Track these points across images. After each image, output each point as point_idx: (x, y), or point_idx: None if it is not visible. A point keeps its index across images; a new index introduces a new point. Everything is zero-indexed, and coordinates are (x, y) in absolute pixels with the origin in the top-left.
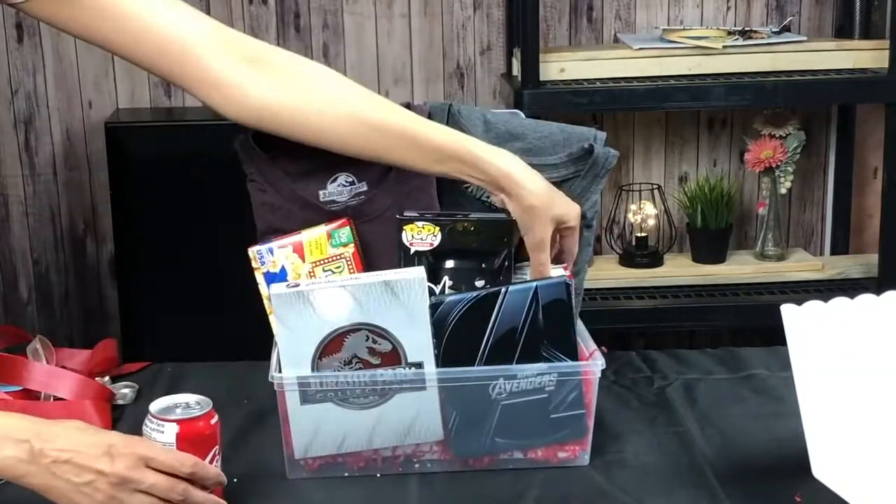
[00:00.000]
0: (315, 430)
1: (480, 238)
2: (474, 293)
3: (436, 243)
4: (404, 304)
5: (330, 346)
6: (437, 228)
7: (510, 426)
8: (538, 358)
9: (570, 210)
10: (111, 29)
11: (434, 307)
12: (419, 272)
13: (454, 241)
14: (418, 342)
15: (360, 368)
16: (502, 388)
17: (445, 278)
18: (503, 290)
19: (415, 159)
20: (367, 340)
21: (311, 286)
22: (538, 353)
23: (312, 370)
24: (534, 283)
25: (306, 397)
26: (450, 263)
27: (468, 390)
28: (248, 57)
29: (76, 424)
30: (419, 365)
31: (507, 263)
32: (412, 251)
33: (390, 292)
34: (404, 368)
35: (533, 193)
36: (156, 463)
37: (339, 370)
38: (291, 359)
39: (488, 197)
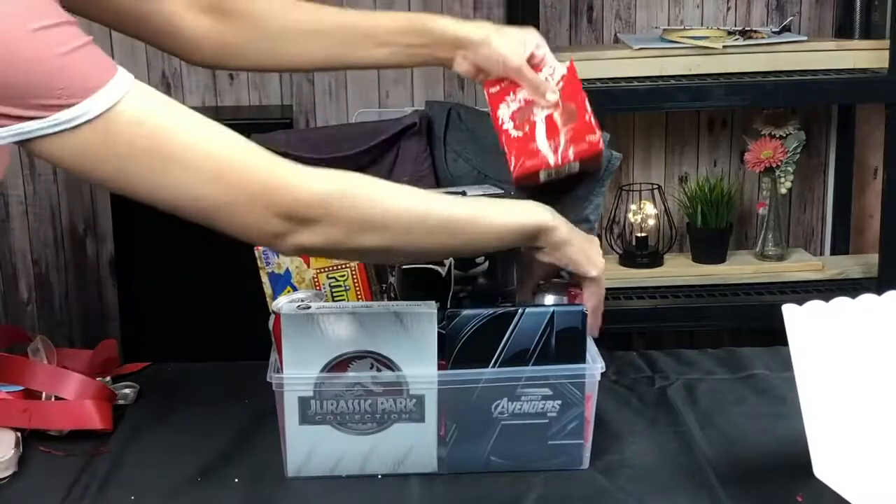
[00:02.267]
0: (310, 450)
1: None
2: (490, 310)
3: None
4: (412, 336)
5: (334, 370)
6: None
7: (507, 446)
8: (545, 383)
9: (541, 48)
10: None
11: (450, 318)
12: (430, 306)
13: None
14: (422, 376)
15: (362, 395)
16: (504, 407)
17: (451, 259)
18: (519, 310)
19: (373, 51)
20: (371, 368)
21: (321, 309)
22: (546, 379)
23: (315, 392)
24: (551, 308)
25: (305, 418)
26: None
27: (470, 405)
28: (207, 6)
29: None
30: (420, 398)
31: None
32: None
33: (399, 323)
34: (405, 399)
35: (499, 43)
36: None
37: (341, 394)
38: (294, 378)
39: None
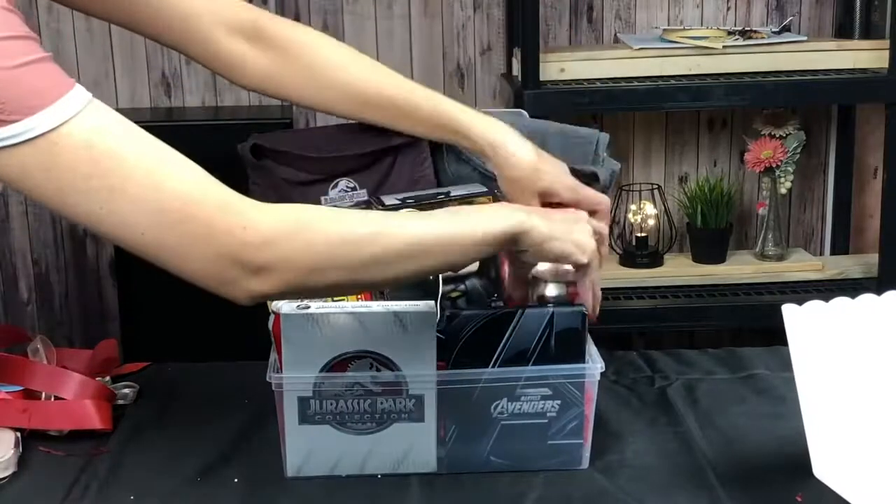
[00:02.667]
0: (310, 450)
1: None
2: (490, 311)
3: None
4: (412, 336)
5: (334, 370)
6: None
7: (507, 446)
8: (545, 383)
9: (557, 183)
10: (126, 4)
11: (449, 319)
12: (429, 305)
13: None
14: (422, 376)
15: (362, 394)
16: (504, 407)
17: None
18: (519, 311)
19: (407, 128)
20: (370, 368)
21: (321, 309)
22: (546, 379)
23: (314, 392)
24: (550, 309)
25: (305, 418)
26: None
27: (469, 405)
28: (251, 34)
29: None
30: (420, 398)
31: None
32: None
33: (399, 323)
34: (405, 399)
35: (515, 166)
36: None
37: (340, 394)
38: (294, 378)
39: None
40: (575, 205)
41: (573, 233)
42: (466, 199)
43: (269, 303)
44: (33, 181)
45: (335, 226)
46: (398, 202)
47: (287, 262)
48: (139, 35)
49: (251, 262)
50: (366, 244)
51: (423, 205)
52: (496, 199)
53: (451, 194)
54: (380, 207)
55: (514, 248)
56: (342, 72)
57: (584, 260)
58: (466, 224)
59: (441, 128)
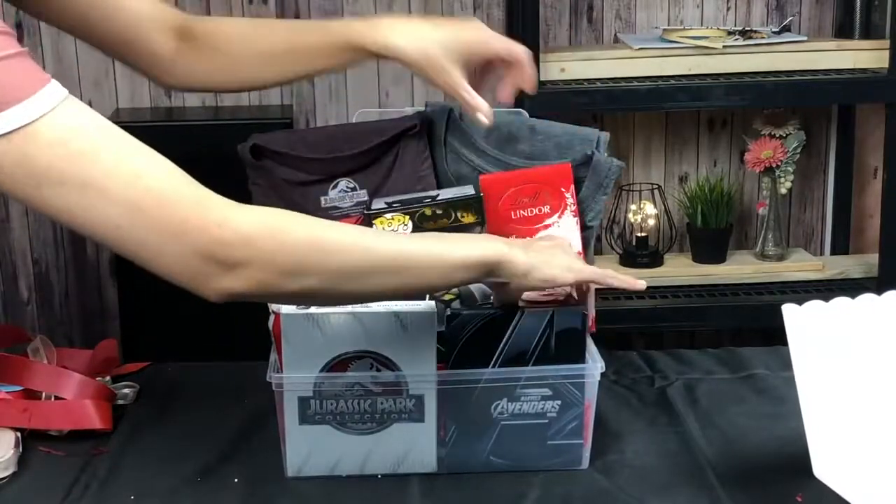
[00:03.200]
0: (310, 450)
1: (452, 218)
2: (490, 311)
3: (408, 231)
4: (412, 336)
5: (334, 370)
6: (407, 217)
7: (507, 446)
8: (545, 384)
9: (462, 41)
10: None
11: (449, 319)
12: (430, 306)
13: (426, 226)
14: (422, 376)
15: (362, 395)
16: (504, 408)
17: None
18: (519, 311)
19: (311, 65)
20: (370, 368)
21: (320, 309)
22: (546, 379)
23: (314, 392)
24: (550, 309)
25: (305, 418)
26: None
27: (469, 405)
28: (179, 32)
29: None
30: (420, 398)
31: None
32: None
33: (399, 323)
34: (405, 399)
35: (405, 53)
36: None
37: (340, 394)
38: (294, 378)
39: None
40: (499, 51)
41: (555, 257)
42: (453, 202)
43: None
44: (8, 175)
45: (311, 231)
46: (385, 206)
47: (260, 261)
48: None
49: (225, 260)
50: (340, 253)
51: (409, 209)
52: (480, 201)
53: (438, 197)
54: (365, 211)
55: (494, 278)
56: (255, 45)
57: (570, 279)
58: (445, 248)
59: (342, 49)
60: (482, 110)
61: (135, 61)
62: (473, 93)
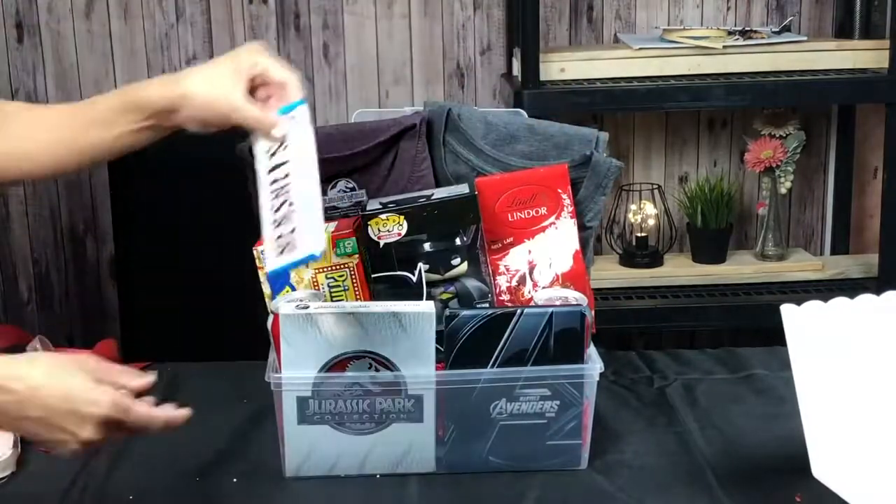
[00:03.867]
0: (309, 450)
1: (446, 217)
2: (490, 311)
3: (403, 232)
4: (411, 336)
5: (333, 370)
6: (402, 217)
7: (506, 446)
8: (544, 384)
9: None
10: None
11: (448, 319)
12: (429, 306)
13: (421, 226)
14: (421, 376)
15: (360, 395)
16: (503, 408)
17: (420, 264)
18: (518, 311)
19: (100, 134)
20: (369, 368)
21: (319, 309)
22: (545, 379)
23: (313, 392)
24: (549, 309)
25: (304, 418)
26: (421, 248)
27: (468, 405)
28: None
29: (44, 371)
30: (419, 398)
31: (477, 237)
32: (381, 244)
33: (398, 324)
34: (404, 399)
35: (188, 98)
36: (127, 424)
37: (339, 394)
38: (293, 378)
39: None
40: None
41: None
42: (449, 201)
43: (267, 302)
44: None
45: None
46: (380, 206)
47: None
48: None
49: None
50: None
51: (405, 208)
52: (475, 200)
53: (433, 197)
54: (361, 212)
55: None
56: (28, 115)
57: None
58: None
59: (126, 110)
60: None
61: None
62: (263, 114)
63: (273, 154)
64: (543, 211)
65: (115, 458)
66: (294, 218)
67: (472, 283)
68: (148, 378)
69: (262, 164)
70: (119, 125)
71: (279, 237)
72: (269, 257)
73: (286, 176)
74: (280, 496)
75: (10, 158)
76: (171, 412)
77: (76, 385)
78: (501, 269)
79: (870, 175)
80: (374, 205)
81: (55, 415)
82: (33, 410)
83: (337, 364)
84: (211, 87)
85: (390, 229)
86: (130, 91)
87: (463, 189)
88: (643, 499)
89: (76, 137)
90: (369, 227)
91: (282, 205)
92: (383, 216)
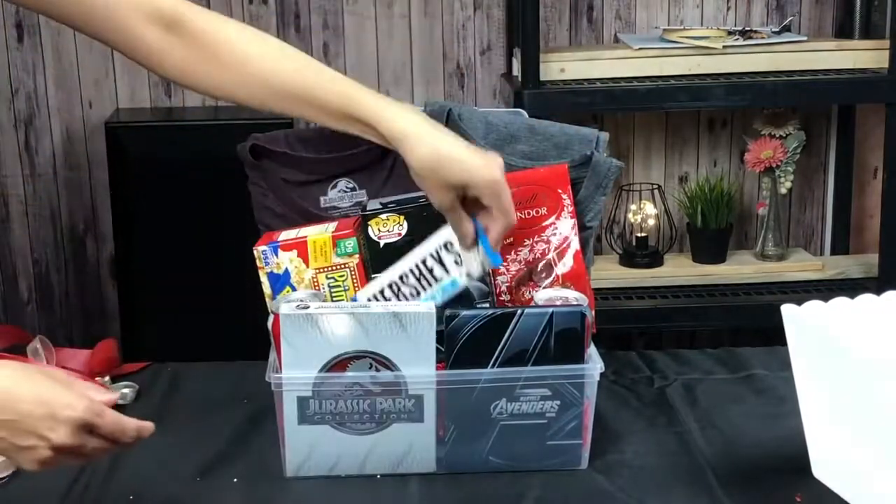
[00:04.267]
0: (310, 450)
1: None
2: (490, 311)
3: (403, 232)
4: (411, 336)
5: (333, 370)
6: (402, 217)
7: (506, 446)
8: (544, 384)
9: (468, 176)
10: None
11: (448, 319)
12: (429, 307)
13: (421, 227)
14: (421, 376)
15: (361, 395)
16: (503, 408)
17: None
18: (518, 311)
19: (319, 118)
20: (370, 368)
21: (320, 309)
22: (545, 379)
23: (313, 392)
24: (550, 309)
25: (304, 418)
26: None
27: (469, 405)
28: (170, 23)
29: (10, 375)
30: (419, 398)
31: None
32: (381, 244)
33: (398, 324)
34: (404, 399)
35: (418, 159)
36: (100, 430)
37: (339, 394)
38: (293, 378)
39: None
40: (492, 203)
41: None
42: None
43: (268, 302)
44: None
45: None
46: (380, 206)
47: None
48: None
49: None
50: None
51: (404, 209)
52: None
53: None
54: (361, 213)
55: None
56: (254, 65)
57: (36, 457)
58: None
59: (350, 119)
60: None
61: (125, 51)
62: (468, 220)
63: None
64: (543, 211)
65: (115, 458)
66: None
67: (472, 284)
68: (112, 395)
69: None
70: (335, 121)
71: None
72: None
73: None
74: (280, 496)
75: (222, 94)
76: (141, 422)
77: (48, 388)
78: (501, 269)
79: (870, 175)
80: (374, 205)
81: (28, 418)
82: (4, 414)
83: (337, 364)
84: (452, 142)
85: (390, 229)
86: (366, 104)
87: None
88: (643, 499)
89: (296, 109)
90: (369, 227)
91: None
92: (383, 216)
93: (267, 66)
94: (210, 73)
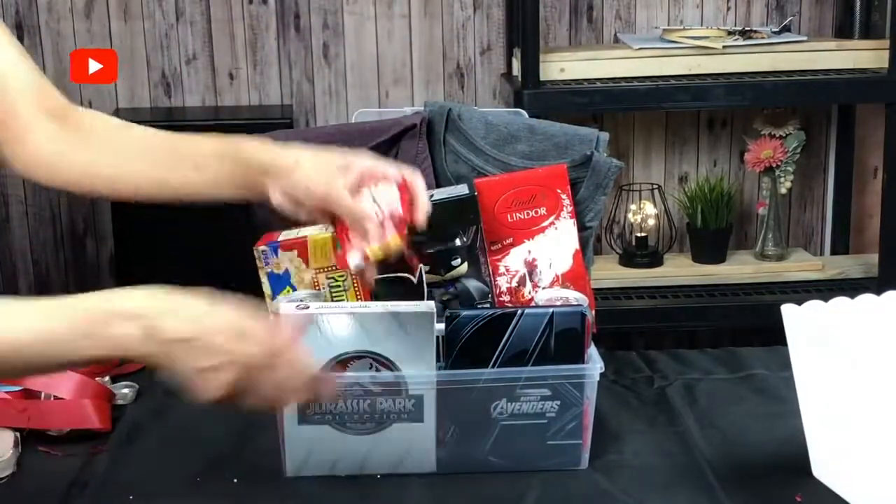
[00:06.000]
0: (309, 450)
1: (447, 218)
2: (490, 311)
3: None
4: (411, 336)
5: (333, 370)
6: None
7: (506, 447)
8: (544, 384)
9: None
10: None
11: (448, 320)
12: (429, 306)
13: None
14: (421, 376)
15: (361, 395)
16: (503, 408)
17: (421, 266)
18: (519, 311)
19: (191, 175)
20: (370, 368)
21: (320, 309)
22: (545, 379)
23: None
24: (550, 309)
25: (304, 418)
26: (422, 249)
27: (469, 405)
28: (55, 113)
29: (201, 299)
30: (419, 398)
31: (477, 238)
32: None
33: (398, 324)
34: (404, 400)
35: (289, 170)
36: (286, 359)
37: (340, 394)
38: None
39: None
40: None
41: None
42: (449, 202)
43: (268, 302)
44: None
45: None
46: None
47: None
48: None
49: None
50: None
51: None
52: (475, 200)
53: (434, 197)
54: None
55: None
56: (127, 134)
57: (205, 397)
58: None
59: (225, 157)
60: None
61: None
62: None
63: None
64: (543, 211)
65: (116, 458)
66: None
67: (472, 284)
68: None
69: None
70: (214, 170)
71: None
72: None
73: None
74: (280, 496)
75: (101, 178)
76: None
77: (236, 313)
78: (501, 269)
79: (870, 175)
80: None
81: (215, 336)
82: (190, 333)
83: (337, 364)
84: (312, 168)
85: None
86: (233, 141)
87: (462, 189)
88: (643, 499)
89: (167, 173)
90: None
91: None
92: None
93: (138, 139)
94: (88, 157)
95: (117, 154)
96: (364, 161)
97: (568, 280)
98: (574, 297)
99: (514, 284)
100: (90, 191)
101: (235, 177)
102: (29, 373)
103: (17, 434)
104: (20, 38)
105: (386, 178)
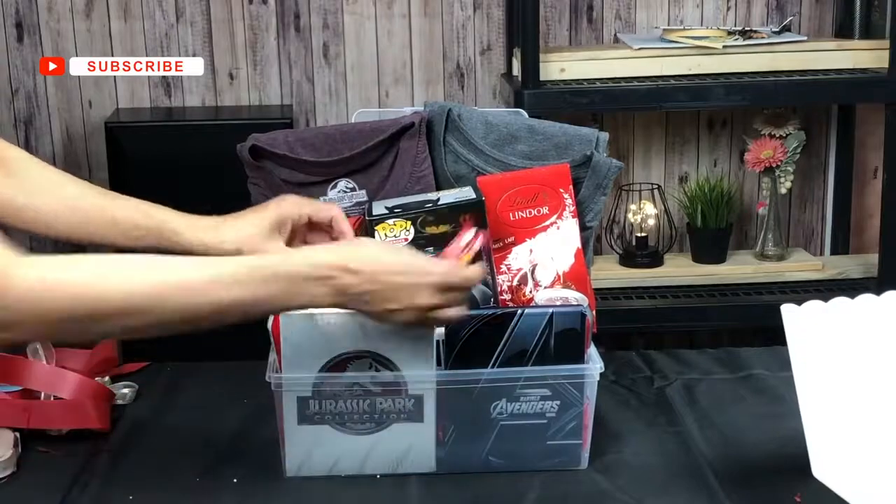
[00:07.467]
0: (309, 450)
1: (453, 222)
2: (490, 310)
3: (410, 237)
4: (411, 336)
5: (333, 370)
6: (409, 222)
7: (506, 447)
8: (544, 384)
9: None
10: None
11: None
12: None
13: (428, 231)
14: (421, 376)
15: (361, 395)
16: (503, 408)
17: None
18: (519, 311)
19: (118, 239)
20: (370, 368)
21: (320, 309)
22: (545, 379)
23: (313, 392)
24: (550, 309)
25: (304, 418)
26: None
27: (469, 405)
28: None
29: (376, 246)
30: (419, 398)
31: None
32: None
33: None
34: (404, 399)
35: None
36: (458, 283)
37: (339, 394)
38: (293, 378)
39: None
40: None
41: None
42: (455, 206)
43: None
44: None
45: (92, 277)
46: (386, 211)
47: (33, 320)
48: None
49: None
50: (127, 294)
51: (411, 213)
52: (482, 205)
53: (440, 202)
54: (367, 218)
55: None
56: (66, 189)
57: (402, 319)
58: (210, 269)
59: (154, 236)
60: None
61: None
62: None
63: None
64: (545, 210)
65: (115, 458)
66: None
67: (477, 289)
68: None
69: None
70: (138, 239)
71: None
72: None
73: None
74: (280, 496)
75: (28, 210)
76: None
77: (409, 257)
78: (503, 268)
79: (870, 175)
80: (379, 208)
81: (393, 288)
82: (372, 285)
83: (337, 364)
84: (243, 237)
85: (397, 234)
86: (161, 217)
87: (469, 194)
88: (643, 499)
89: (92, 232)
90: (377, 233)
91: None
92: (390, 221)
93: (75, 196)
94: (22, 204)
95: (54, 210)
96: (290, 210)
97: (569, 279)
98: (574, 296)
99: (515, 283)
100: (20, 228)
101: (160, 247)
102: (210, 326)
103: (18, 434)
104: (20, 38)
105: (315, 224)
